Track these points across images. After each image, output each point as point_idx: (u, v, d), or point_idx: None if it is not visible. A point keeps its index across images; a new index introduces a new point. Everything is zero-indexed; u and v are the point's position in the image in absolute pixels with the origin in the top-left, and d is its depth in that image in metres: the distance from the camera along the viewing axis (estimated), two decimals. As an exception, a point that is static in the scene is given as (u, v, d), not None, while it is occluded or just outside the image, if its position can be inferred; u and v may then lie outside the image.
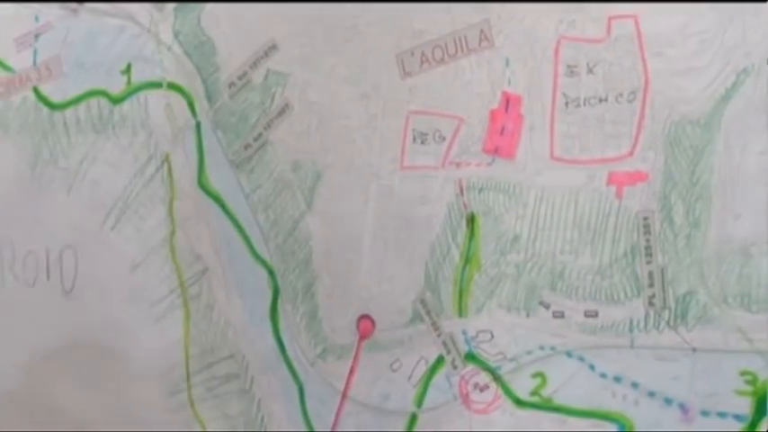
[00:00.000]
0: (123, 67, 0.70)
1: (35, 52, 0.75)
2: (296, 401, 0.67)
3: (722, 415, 0.54)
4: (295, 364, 0.67)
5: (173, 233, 0.69)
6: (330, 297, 0.65)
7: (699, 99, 0.54)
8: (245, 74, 0.65)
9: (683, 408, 0.55)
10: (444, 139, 0.60)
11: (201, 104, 0.67)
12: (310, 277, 0.65)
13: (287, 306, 0.67)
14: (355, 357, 0.64)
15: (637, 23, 0.55)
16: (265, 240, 0.67)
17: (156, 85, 0.69)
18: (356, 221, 0.63)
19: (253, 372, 0.69)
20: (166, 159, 0.68)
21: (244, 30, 0.65)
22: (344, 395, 0.65)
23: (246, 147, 0.66)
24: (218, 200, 0.68)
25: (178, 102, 0.68)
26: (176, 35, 0.68)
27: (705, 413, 0.54)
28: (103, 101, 0.70)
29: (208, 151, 0.68)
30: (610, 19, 0.55)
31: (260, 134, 0.65)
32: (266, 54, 0.64)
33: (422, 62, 0.60)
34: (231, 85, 0.66)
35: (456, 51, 0.59)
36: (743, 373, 0.53)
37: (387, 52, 0.61)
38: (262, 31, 0.65)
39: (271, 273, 0.67)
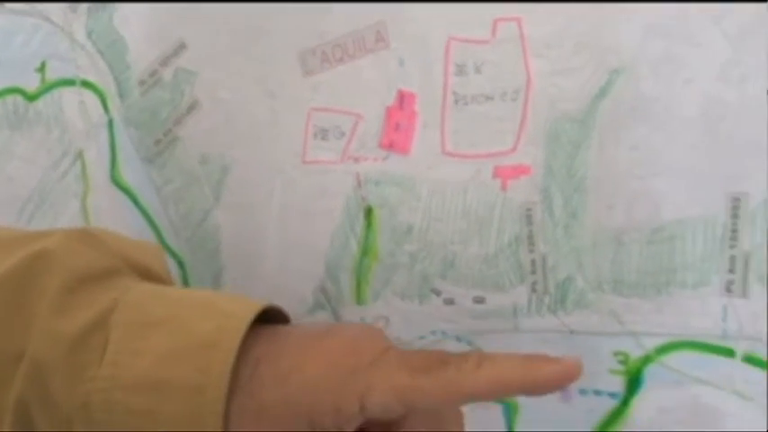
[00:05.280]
0: (38, 65, 0.72)
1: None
2: (205, 388, 0.69)
3: (598, 393, 0.58)
4: (204, 352, 0.69)
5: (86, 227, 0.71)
6: (236, 287, 0.67)
7: (576, 97, 0.57)
8: (155, 72, 0.67)
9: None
10: (344, 134, 0.62)
11: (114, 102, 0.69)
12: (218, 268, 0.68)
13: (196, 296, 0.69)
14: (260, 345, 0.66)
15: (520, 26, 0.57)
16: (176, 233, 0.69)
17: (70, 82, 0.70)
18: (261, 214, 0.65)
19: (163, 361, 0.71)
20: (80, 155, 0.70)
21: (154, 29, 0.67)
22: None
23: (157, 142, 0.68)
24: (130, 194, 0.70)
25: (91, 99, 0.70)
26: (89, 34, 0.70)
27: (583, 392, 0.58)
28: (19, 98, 0.72)
29: (120, 147, 0.70)
30: (495, 21, 0.58)
31: (170, 130, 0.67)
32: (176, 53, 0.67)
33: (323, 61, 0.63)
34: (142, 82, 0.68)
35: (354, 51, 0.62)
36: (616, 354, 0.57)
37: (290, 52, 0.63)
38: (171, 30, 0.67)
39: (181, 264, 0.69)
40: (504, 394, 0.43)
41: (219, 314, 0.45)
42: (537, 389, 0.43)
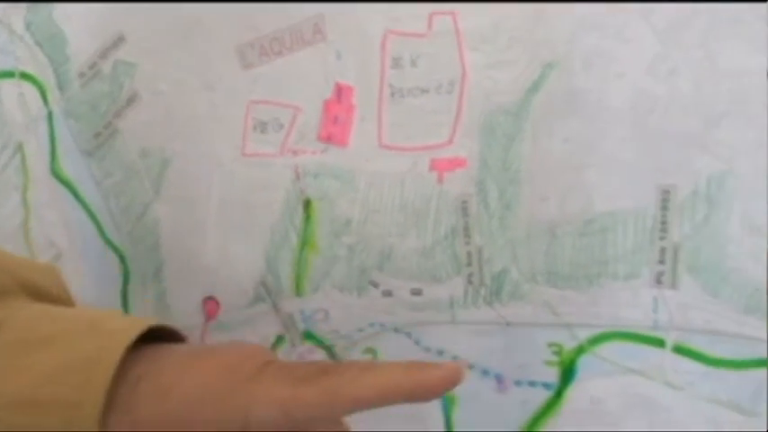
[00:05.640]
0: (-24, 57, 0.71)
1: None
2: (146, 382, 0.69)
3: (533, 384, 0.58)
4: (145, 346, 0.69)
5: (27, 220, 0.71)
6: (177, 280, 0.67)
7: (510, 90, 0.57)
8: (94, 64, 0.67)
9: (499, 378, 0.59)
10: (282, 127, 0.63)
11: (53, 94, 0.69)
12: (158, 261, 0.67)
13: (137, 290, 0.69)
14: (202, 338, 0.67)
15: (455, 19, 0.58)
16: (116, 226, 0.69)
17: (8, 74, 0.70)
18: (201, 207, 0.65)
19: (105, 354, 0.71)
20: (20, 148, 0.70)
21: (93, 21, 0.67)
22: (192, 374, 0.67)
23: (97, 135, 0.68)
24: (70, 187, 0.70)
25: (31, 91, 0.69)
26: (28, 26, 0.69)
27: (518, 383, 0.59)
28: (-42, 90, 0.71)
29: (60, 140, 0.70)
30: (431, 15, 0.58)
31: (110, 123, 0.67)
32: (115, 45, 0.66)
33: (261, 54, 0.63)
34: (81, 75, 0.68)
35: (292, 44, 0.62)
36: (550, 345, 0.58)
37: (229, 45, 0.63)
38: (110, 22, 0.66)
39: (122, 258, 0.69)
40: (387, 401, 0.43)
41: (104, 333, 0.44)
42: (420, 394, 0.44)
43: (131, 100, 0.67)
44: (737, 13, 0.51)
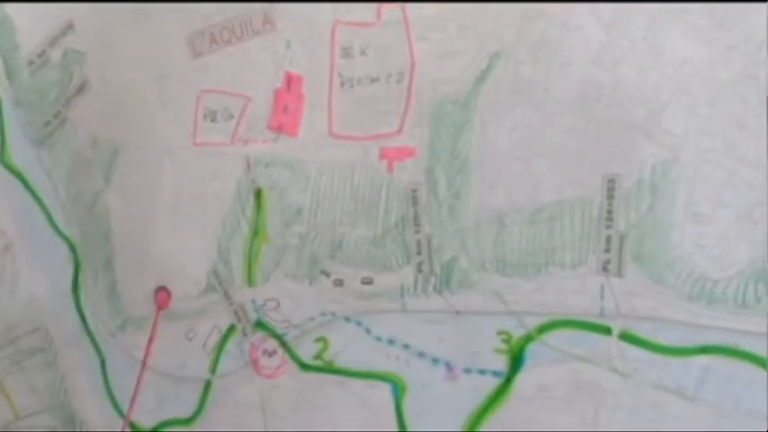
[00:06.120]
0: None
1: None
2: (98, 373, 0.69)
3: (482, 372, 0.59)
4: (97, 337, 0.70)
5: (-24, 210, 0.70)
6: (128, 270, 0.67)
7: (458, 80, 0.58)
8: (43, 52, 0.67)
9: (449, 366, 0.59)
10: (233, 116, 0.62)
11: (2, 82, 0.68)
12: (109, 251, 0.67)
13: (88, 280, 0.69)
14: (153, 328, 0.67)
15: (404, 9, 0.58)
16: (66, 215, 0.69)
17: (-44, 63, 0.69)
18: (152, 196, 0.65)
19: (57, 345, 0.71)
20: (-32, 137, 0.69)
21: (42, 9, 0.66)
22: (144, 365, 0.67)
23: (47, 124, 0.67)
24: (20, 176, 0.69)
25: (-21, 80, 0.68)
26: (-24, 13, 0.68)
27: (468, 371, 0.59)
28: None
29: (10, 128, 0.69)
30: (380, 4, 0.58)
31: (59, 112, 0.67)
32: (64, 33, 0.66)
33: (211, 43, 0.62)
34: (30, 63, 0.67)
35: (242, 33, 0.62)
36: (499, 333, 0.58)
37: (179, 34, 0.63)
38: (60, 10, 0.66)
39: (72, 247, 0.69)
40: None
41: None
42: None
43: (81, 89, 0.66)
44: (681, 4, 0.51)
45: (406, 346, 0.60)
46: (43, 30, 0.67)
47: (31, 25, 0.68)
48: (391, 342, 0.60)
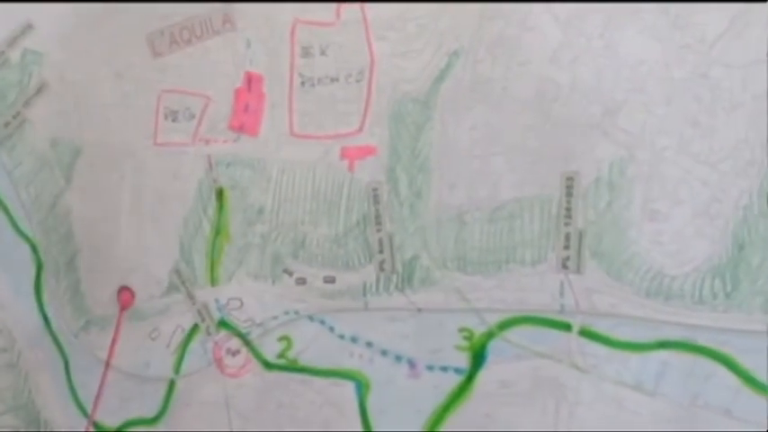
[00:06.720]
0: None
1: None
2: (62, 373, 0.69)
3: (444, 369, 0.59)
4: (60, 337, 0.69)
5: (-64, 211, 0.69)
6: (91, 270, 0.67)
7: (418, 79, 0.58)
8: (2, 53, 0.66)
9: (412, 364, 0.60)
10: (194, 116, 0.62)
11: (-40, 83, 0.67)
12: (72, 251, 0.67)
13: (51, 280, 0.69)
14: (117, 328, 0.66)
15: (363, 9, 0.58)
16: (28, 216, 0.68)
17: None
18: (113, 197, 0.65)
19: (20, 346, 0.71)
20: (-72, 138, 0.68)
21: (0, 9, 0.65)
22: (108, 365, 0.67)
23: (6, 125, 0.67)
24: (-20, 178, 0.68)
25: (-63, 80, 0.68)
26: (-67, 14, 0.67)
27: (430, 368, 0.59)
28: None
29: (-31, 130, 0.68)
30: (339, 4, 0.58)
31: (18, 112, 0.66)
32: (23, 33, 0.65)
33: (171, 43, 0.62)
34: (-11, 63, 0.66)
35: (202, 33, 0.61)
36: (461, 330, 0.58)
37: (138, 33, 0.63)
38: (18, 10, 0.65)
39: (34, 248, 0.68)
40: None
41: None
42: None
43: (41, 89, 0.66)
44: (636, 4, 0.52)
45: (368, 344, 0.60)
46: (2, 30, 0.66)
47: (-12, 25, 0.66)
48: (354, 340, 0.60)
